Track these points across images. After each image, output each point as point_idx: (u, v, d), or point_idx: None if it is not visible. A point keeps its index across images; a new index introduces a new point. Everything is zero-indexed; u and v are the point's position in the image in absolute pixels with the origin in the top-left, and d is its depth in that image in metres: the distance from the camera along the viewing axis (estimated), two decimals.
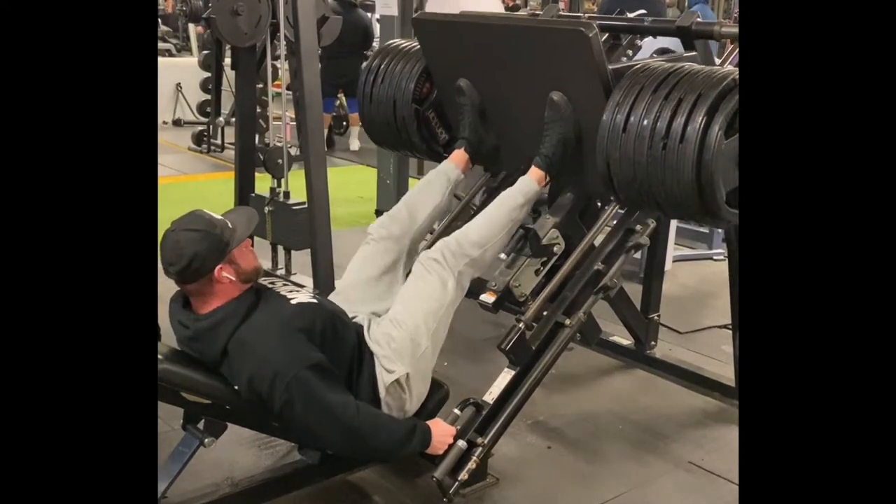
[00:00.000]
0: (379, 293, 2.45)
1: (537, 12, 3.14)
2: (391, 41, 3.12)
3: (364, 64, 3.15)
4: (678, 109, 2.08)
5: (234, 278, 2.10)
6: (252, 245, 2.21)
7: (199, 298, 2.12)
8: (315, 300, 2.24)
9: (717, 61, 2.80)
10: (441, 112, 2.92)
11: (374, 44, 8.52)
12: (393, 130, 2.96)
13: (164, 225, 2.10)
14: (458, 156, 2.71)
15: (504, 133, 2.72)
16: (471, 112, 2.69)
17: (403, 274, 2.51)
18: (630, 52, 3.05)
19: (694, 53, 2.58)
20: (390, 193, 5.11)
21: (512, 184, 2.56)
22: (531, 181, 2.48)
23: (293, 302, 2.18)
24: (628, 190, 2.23)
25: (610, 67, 2.31)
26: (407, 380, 2.22)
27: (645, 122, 2.12)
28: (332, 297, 2.46)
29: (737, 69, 2.16)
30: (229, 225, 2.12)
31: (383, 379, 2.20)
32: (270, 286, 2.27)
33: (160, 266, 2.05)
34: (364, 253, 2.55)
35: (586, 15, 3.24)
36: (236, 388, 2.08)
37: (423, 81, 2.88)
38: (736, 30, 2.62)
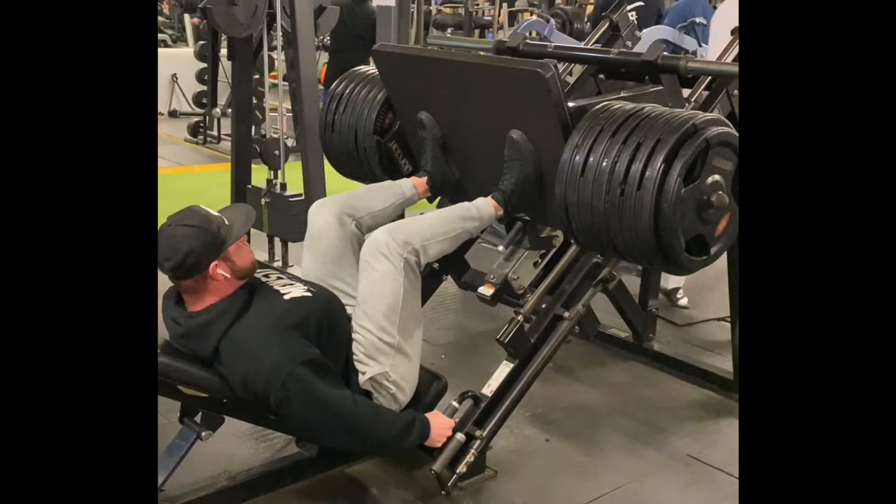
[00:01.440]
0: (337, 265, 2.41)
1: (503, 40, 3.06)
2: (357, 68, 2.97)
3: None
4: (636, 154, 1.99)
5: (228, 275, 2.08)
6: (248, 241, 2.19)
7: (192, 295, 2.10)
8: (309, 293, 2.22)
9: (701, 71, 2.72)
10: (403, 143, 2.81)
11: None
12: (354, 161, 2.84)
13: (160, 218, 2.08)
14: (419, 182, 2.62)
15: (466, 167, 2.65)
16: (432, 145, 2.60)
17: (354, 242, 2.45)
18: (629, 44, 3.05)
19: (660, 88, 2.54)
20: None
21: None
22: (489, 205, 2.41)
23: (286, 297, 2.16)
24: (587, 234, 2.15)
25: (571, 105, 2.23)
26: (387, 377, 2.20)
27: (604, 164, 2.04)
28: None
29: (697, 113, 2.08)
30: (226, 222, 2.10)
31: (361, 379, 2.19)
32: (265, 279, 2.25)
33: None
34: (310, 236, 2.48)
35: (553, 44, 3.13)
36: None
37: (386, 111, 2.76)
38: (700, 66, 2.57)
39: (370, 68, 2.90)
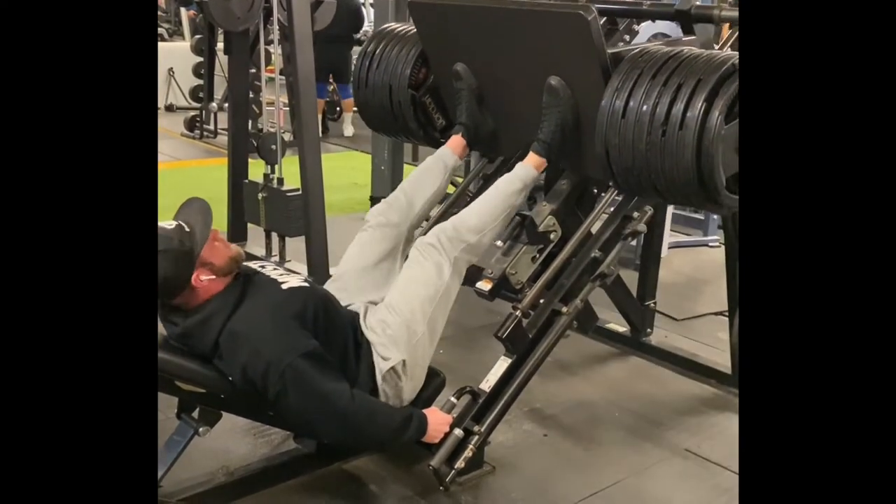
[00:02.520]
0: (376, 281, 2.43)
1: None
2: (386, 25, 3.08)
3: (357, 49, 3.13)
4: (678, 95, 2.06)
5: (212, 276, 2.06)
6: (220, 235, 2.15)
7: (185, 303, 2.08)
8: (307, 283, 2.22)
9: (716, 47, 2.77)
10: (438, 97, 2.89)
11: (367, 28, 8.48)
12: (389, 116, 2.93)
13: (161, 213, 2.07)
14: (456, 141, 2.69)
15: (502, 118, 2.70)
16: (468, 97, 2.66)
17: (401, 261, 2.49)
18: (627, 38, 3.04)
19: (693, 37, 2.56)
20: (385, 180, 5.08)
21: (509, 169, 2.54)
22: (529, 167, 2.46)
23: (284, 287, 2.15)
24: (627, 176, 2.21)
25: (609, 51, 2.28)
26: (403, 367, 2.20)
27: (644, 107, 2.10)
28: (328, 285, 2.44)
29: (736, 53, 2.14)
30: (186, 229, 2.05)
31: (380, 366, 2.18)
32: (261, 269, 2.24)
33: None
34: (361, 240, 2.53)
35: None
36: (231, 379, 2.06)
37: (420, 66, 2.84)
38: (736, 13, 2.59)
39: (399, 26, 2.99)
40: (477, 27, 2.59)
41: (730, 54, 2.11)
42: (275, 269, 2.30)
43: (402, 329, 2.22)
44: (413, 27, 2.87)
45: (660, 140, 2.08)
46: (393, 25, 3.05)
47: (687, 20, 2.59)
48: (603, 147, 2.21)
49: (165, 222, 2.04)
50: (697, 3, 2.59)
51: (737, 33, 2.65)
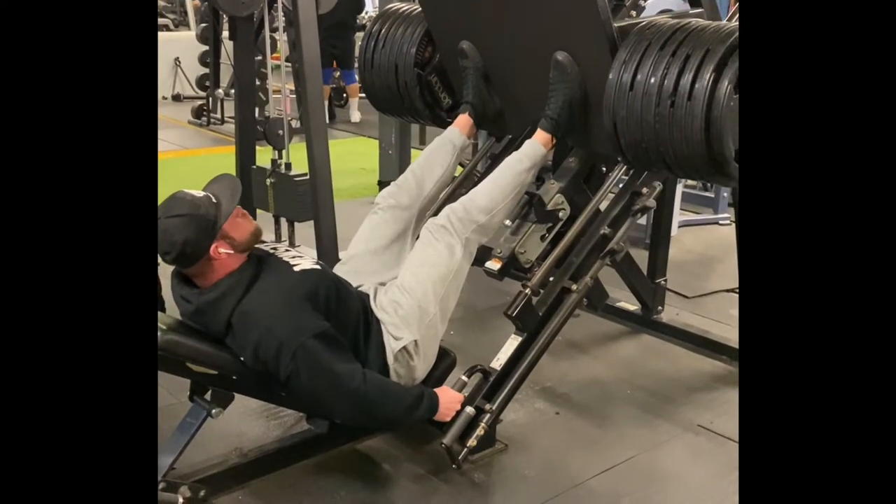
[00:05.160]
0: (387, 263, 2.43)
1: None
2: (391, 5, 3.06)
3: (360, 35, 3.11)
4: (686, 66, 2.04)
5: (231, 251, 2.07)
6: (242, 214, 2.16)
7: (200, 276, 2.10)
8: (318, 265, 2.22)
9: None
10: (444, 76, 2.88)
11: (371, 12, 8.44)
12: (395, 96, 2.92)
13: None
14: (463, 121, 2.68)
15: (509, 96, 2.68)
16: (474, 75, 2.65)
17: (411, 243, 2.49)
18: (634, 14, 3.01)
19: (700, 10, 2.54)
20: (393, 164, 5.07)
21: (517, 148, 2.53)
22: (537, 144, 2.45)
23: (296, 269, 2.15)
24: (636, 149, 2.20)
25: (615, 25, 2.27)
26: (415, 347, 2.21)
27: (652, 79, 2.09)
28: (338, 268, 2.44)
29: None
30: (213, 199, 2.07)
31: (391, 346, 2.19)
32: (273, 251, 2.24)
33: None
34: (372, 222, 2.53)
35: None
36: (242, 359, 2.07)
37: (425, 45, 2.83)
38: None
39: (404, 6, 2.97)
40: (482, 4, 2.57)
41: (738, 25, 2.09)
42: (287, 250, 2.30)
43: (415, 309, 2.22)
44: (418, 7, 2.86)
45: (668, 112, 2.06)
46: (398, 5, 3.03)
47: None
48: (611, 120, 2.20)
49: (194, 191, 2.07)
50: None
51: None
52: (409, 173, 2.63)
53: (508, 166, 2.45)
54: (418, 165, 2.66)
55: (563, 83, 2.37)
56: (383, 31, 2.91)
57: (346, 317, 2.18)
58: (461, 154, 2.70)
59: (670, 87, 2.05)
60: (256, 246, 2.18)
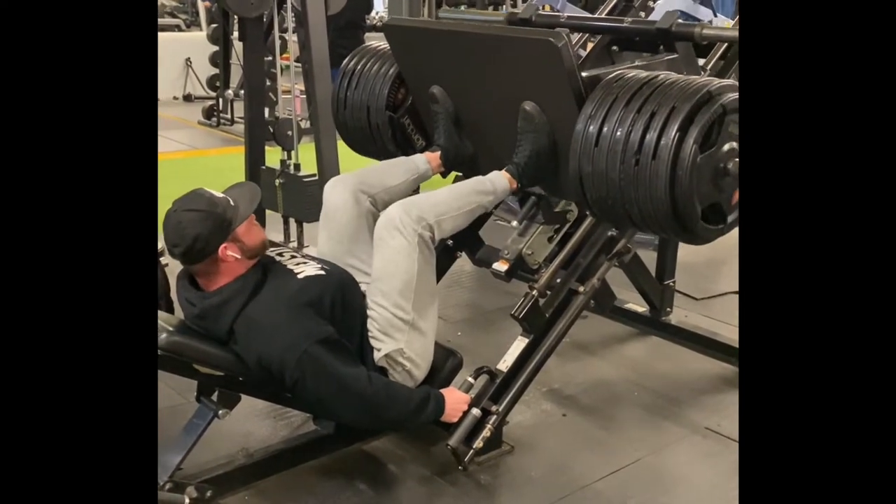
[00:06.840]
0: (361, 251, 2.40)
1: (515, 10, 3.02)
2: (368, 43, 2.97)
3: (370, 35, 3.05)
4: (651, 123, 1.97)
5: (239, 256, 2.08)
6: (256, 219, 2.18)
7: (205, 277, 2.10)
8: (323, 271, 2.22)
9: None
10: (416, 118, 2.78)
11: (381, 12, 8.44)
12: (367, 137, 2.82)
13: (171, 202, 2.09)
14: (433, 156, 2.60)
15: (480, 140, 2.62)
16: (445, 120, 2.58)
17: (371, 223, 2.43)
18: (643, 14, 3.01)
19: (675, 56, 2.50)
20: None
21: None
22: (503, 179, 2.39)
23: (300, 276, 2.15)
24: (602, 205, 2.12)
25: (584, 75, 2.20)
26: (401, 353, 2.20)
27: (617, 135, 2.01)
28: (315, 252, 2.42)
29: (713, 79, 2.05)
30: (231, 202, 2.09)
31: (375, 356, 2.19)
32: (278, 259, 2.25)
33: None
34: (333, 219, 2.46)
35: (565, 14, 3.09)
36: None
37: (398, 86, 2.74)
38: (716, 32, 2.55)
39: (382, 44, 2.88)
40: (451, 51, 2.51)
41: (705, 80, 2.02)
42: (292, 256, 2.30)
43: (388, 321, 2.19)
44: None
45: (633, 169, 1.99)
46: (375, 44, 2.93)
47: (667, 38, 2.52)
48: (576, 175, 2.12)
49: (214, 191, 2.10)
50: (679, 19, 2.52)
51: (721, 49, 2.57)
52: (369, 169, 2.57)
53: (471, 182, 2.41)
54: (381, 164, 2.62)
55: (530, 132, 2.32)
56: (358, 68, 2.82)
57: (353, 320, 2.19)
58: (420, 180, 2.60)
59: (635, 143, 1.98)
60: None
